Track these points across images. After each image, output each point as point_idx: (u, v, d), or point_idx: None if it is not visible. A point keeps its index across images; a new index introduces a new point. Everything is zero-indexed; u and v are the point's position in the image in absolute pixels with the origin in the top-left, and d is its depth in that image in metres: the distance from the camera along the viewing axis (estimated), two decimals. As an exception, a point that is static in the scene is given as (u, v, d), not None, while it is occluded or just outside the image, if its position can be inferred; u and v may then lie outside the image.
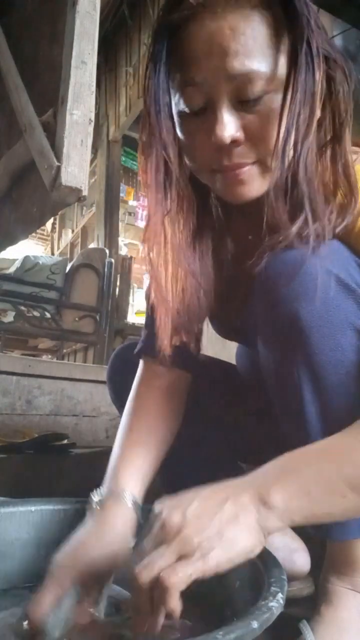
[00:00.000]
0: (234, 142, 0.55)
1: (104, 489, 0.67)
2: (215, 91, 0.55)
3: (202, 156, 0.59)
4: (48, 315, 2.94)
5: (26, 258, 3.14)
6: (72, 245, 5.92)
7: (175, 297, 0.66)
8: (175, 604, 0.43)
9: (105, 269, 3.07)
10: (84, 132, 1.11)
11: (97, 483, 0.68)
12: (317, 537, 0.69)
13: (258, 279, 0.60)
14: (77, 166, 1.08)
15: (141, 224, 5.18)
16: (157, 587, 0.44)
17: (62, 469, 1.31)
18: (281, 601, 0.45)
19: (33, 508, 0.72)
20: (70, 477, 1.27)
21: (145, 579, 0.44)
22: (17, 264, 3.14)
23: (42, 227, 6.12)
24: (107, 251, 3.30)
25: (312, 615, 0.65)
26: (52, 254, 6.20)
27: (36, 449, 1.33)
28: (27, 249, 4.62)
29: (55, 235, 6.57)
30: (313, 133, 0.55)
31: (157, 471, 0.72)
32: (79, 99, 1.11)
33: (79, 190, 1.08)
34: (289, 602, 0.50)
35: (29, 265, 3.09)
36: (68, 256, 4.99)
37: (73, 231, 6.07)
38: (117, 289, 3.24)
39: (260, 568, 0.52)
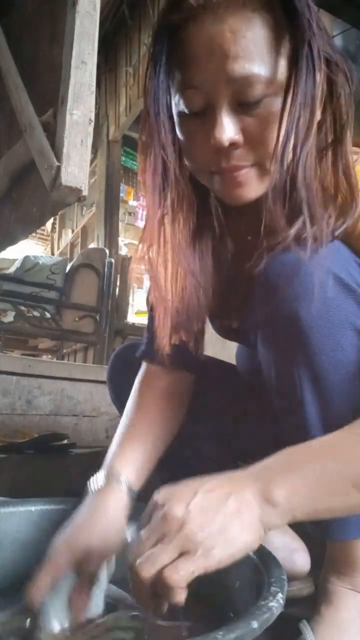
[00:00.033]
0: (233, 145, 0.55)
1: (100, 475, 0.69)
2: (214, 94, 0.54)
3: (201, 157, 0.59)
4: (48, 315, 2.93)
5: (26, 258, 3.14)
6: (72, 245, 5.91)
7: (175, 296, 0.66)
8: (179, 599, 0.44)
9: (105, 269, 3.07)
10: (84, 132, 1.11)
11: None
12: (317, 537, 0.69)
13: (258, 280, 0.60)
14: (77, 166, 1.08)
15: (141, 224, 5.18)
16: (159, 582, 0.44)
17: (62, 469, 1.31)
18: (281, 601, 0.45)
19: (33, 508, 0.72)
20: (70, 477, 1.27)
21: (147, 574, 0.44)
22: (17, 264, 3.14)
23: (42, 227, 6.12)
24: (107, 251, 3.30)
25: (312, 615, 0.65)
26: (52, 254, 6.19)
27: (36, 449, 1.33)
28: (27, 249, 4.61)
29: (55, 235, 6.56)
30: (313, 136, 0.55)
31: (153, 468, 0.73)
32: (79, 99, 1.11)
33: (79, 190, 1.08)
34: (289, 602, 0.50)
35: (29, 265, 3.09)
36: (68, 256, 4.99)
37: (73, 231, 6.06)
38: (117, 289, 3.24)
39: (260, 568, 0.52)
